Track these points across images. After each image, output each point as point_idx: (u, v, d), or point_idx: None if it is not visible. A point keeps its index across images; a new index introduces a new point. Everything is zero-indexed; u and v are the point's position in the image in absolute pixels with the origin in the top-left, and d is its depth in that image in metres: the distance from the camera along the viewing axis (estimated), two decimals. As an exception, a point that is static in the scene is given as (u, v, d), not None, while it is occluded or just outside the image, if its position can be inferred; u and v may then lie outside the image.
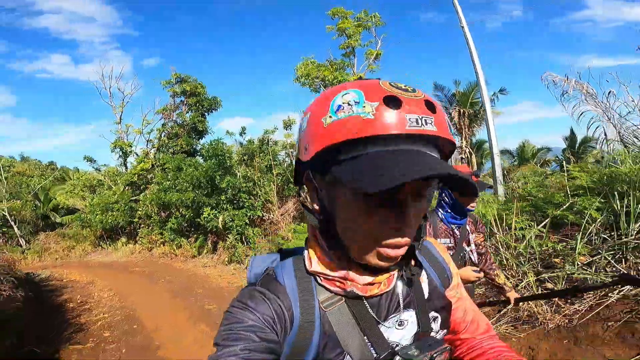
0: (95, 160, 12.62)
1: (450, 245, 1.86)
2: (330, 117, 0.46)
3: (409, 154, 0.45)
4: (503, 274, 2.01)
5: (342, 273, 0.54)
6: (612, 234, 2.62)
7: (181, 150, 9.62)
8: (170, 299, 4.71)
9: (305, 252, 0.58)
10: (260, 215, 7.30)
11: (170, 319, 3.91)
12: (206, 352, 2.15)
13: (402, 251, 0.50)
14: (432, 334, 0.59)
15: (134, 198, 10.17)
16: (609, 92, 4.57)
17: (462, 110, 12.00)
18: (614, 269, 2.39)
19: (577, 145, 14.51)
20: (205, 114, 10.82)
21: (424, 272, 0.63)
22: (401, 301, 0.58)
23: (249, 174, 7.80)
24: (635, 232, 2.49)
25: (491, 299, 2.44)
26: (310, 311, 0.54)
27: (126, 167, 11.91)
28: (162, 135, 10.27)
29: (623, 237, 2.51)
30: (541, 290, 2.57)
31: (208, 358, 0.48)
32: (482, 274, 1.86)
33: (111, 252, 11.32)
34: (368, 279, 0.54)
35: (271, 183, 7.63)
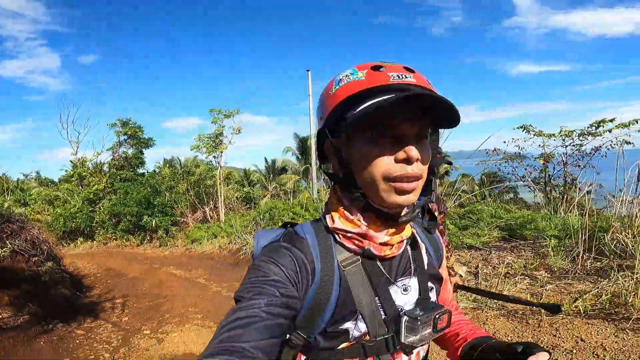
0: (44, 178, 16.51)
1: None
2: (334, 88, 0.59)
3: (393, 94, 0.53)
4: (454, 257, 2.14)
5: (362, 230, 0.60)
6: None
7: (126, 178, 14.30)
8: (125, 261, 9.65)
9: (327, 214, 0.64)
10: (179, 219, 12.43)
11: (127, 266, 8.91)
12: (135, 269, 8.32)
13: (414, 185, 0.56)
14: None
15: (92, 209, 14.61)
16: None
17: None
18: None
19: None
20: (143, 150, 15.57)
21: (423, 245, 0.70)
22: (412, 266, 0.65)
23: (173, 195, 12.86)
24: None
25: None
26: (330, 268, 0.59)
27: (82, 186, 16.10)
28: (112, 167, 14.84)
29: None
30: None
31: (231, 309, 0.51)
32: None
33: (73, 248, 15.45)
34: (386, 237, 0.60)
35: (186, 201, 12.76)
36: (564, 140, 7.92)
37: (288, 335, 0.58)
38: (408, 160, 0.54)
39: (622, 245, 3.18)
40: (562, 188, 7.62)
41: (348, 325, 0.58)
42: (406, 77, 0.55)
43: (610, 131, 7.30)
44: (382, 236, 0.60)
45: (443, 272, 0.74)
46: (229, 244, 8.70)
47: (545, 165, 8.09)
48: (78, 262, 10.96)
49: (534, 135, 8.11)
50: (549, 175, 8.10)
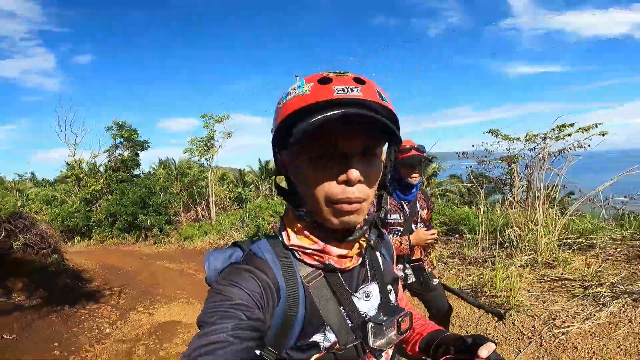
0: (38, 179, 17.18)
1: (399, 221, 1.88)
2: (282, 101, 0.58)
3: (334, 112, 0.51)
4: (434, 255, 2.19)
5: (320, 246, 0.60)
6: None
7: (122, 179, 15.05)
8: (121, 257, 10.40)
9: (283, 230, 0.64)
10: (173, 218, 13.19)
11: (123, 261, 9.66)
12: (131, 264, 9.24)
13: (356, 206, 0.55)
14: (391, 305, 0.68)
15: (89, 209, 15.33)
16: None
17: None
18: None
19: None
20: (138, 152, 16.30)
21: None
22: (369, 274, 0.67)
23: (167, 195, 13.62)
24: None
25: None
26: (294, 285, 0.59)
27: (79, 187, 16.80)
28: (109, 169, 15.58)
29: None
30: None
31: (194, 336, 0.49)
32: (435, 232, 1.88)
33: (70, 247, 16.13)
34: (342, 251, 0.61)
35: (180, 201, 13.52)
36: (525, 144, 8.71)
37: (259, 352, 0.56)
38: (348, 182, 0.54)
39: (516, 237, 4.01)
40: (525, 189, 8.44)
41: (317, 337, 0.59)
42: (352, 91, 0.53)
43: (570, 135, 8.09)
44: (339, 250, 0.61)
45: (394, 269, 0.78)
46: (218, 240, 9.50)
47: (510, 167, 8.90)
48: (76, 259, 11.67)
49: (501, 139, 8.93)
50: (513, 177, 8.90)
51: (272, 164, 24.91)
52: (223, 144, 12.05)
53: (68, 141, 17.24)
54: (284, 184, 0.65)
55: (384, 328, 0.60)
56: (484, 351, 0.56)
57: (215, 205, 13.10)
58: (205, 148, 11.91)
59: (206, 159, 12.60)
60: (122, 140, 15.98)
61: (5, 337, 3.47)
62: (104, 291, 6.25)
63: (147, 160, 42.73)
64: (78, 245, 15.94)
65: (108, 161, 15.91)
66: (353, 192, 0.54)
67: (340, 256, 0.61)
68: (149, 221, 12.82)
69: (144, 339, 3.75)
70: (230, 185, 19.10)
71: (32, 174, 25.10)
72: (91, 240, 15.63)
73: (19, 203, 6.62)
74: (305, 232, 0.61)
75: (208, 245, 9.54)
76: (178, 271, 7.29)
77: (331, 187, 0.55)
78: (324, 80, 0.54)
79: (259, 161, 25.20)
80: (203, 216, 12.52)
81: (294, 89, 0.57)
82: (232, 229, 9.23)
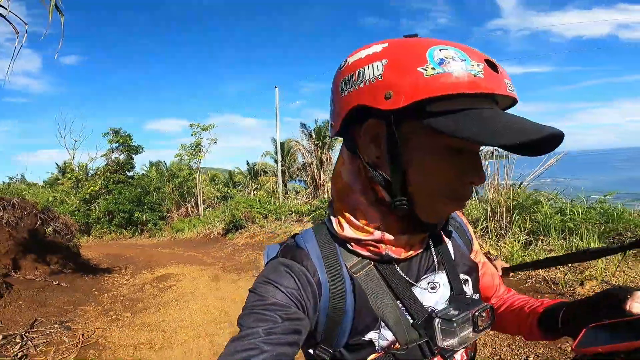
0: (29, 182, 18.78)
1: None
2: (433, 68, 0.43)
3: (508, 114, 0.46)
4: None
5: (377, 235, 0.53)
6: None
7: (119, 181, 16.77)
8: (121, 248, 12.14)
9: (333, 218, 0.57)
10: (166, 215, 14.98)
11: (123, 251, 11.41)
12: (130, 252, 11.35)
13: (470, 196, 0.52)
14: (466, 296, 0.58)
15: (88, 207, 17.00)
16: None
17: (316, 142, 18.83)
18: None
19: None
20: (133, 155, 18.02)
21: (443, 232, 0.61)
22: (435, 261, 0.58)
23: (160, 194, 15.41)
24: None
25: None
26: (339, 277, 0.53)
27: (78, 188, 18.42)
28: (106, 171, 17.31)
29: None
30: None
31: (231, 339, 0.48)
32: None
33: (70, 243, 17.78)
34: (403, 240, 0.54)
35: (172, 199, 15.31)
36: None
37: (312, 351, 0.56)
38: (477, 183, 0.50)
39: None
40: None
41: (372, 335, 0.53)
42: (513, 89, 0.46)
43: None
44: (401, 239, 0.54)
45: (478, 256, 0.68)
46: (204, 230, 11.35)
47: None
48: (81, 251, 13.40)
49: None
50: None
51: (258, 166, 26.67)
52: (210, 149, 13.90)
53: (67, 145, 18.88)
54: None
55: (455, 325, 0.51)
56: (636, 305, 0.45)
57: (204, 203, 14.90)
58: (194, 153, 13.74)
59: (194, 162, 14.43)
60: (117, 145, 17.68)
61: (62, 284, 5.30)
62: (113, 268, 8.09)
63: (138, 162, 44.00)
64: (78, 241, 17.57)
65: (106, 164, 17.62)
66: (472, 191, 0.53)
67: (402, 245, 0.54)
68: (144, 217, 14.58)
69: (149, 283, 5.71)
70: (220, 186, 20.89)
71: (22, 176, 26.57)
72: (90, 237, 17.29)
73: (50, 199, 8.40)
74: (356, 222, 0.54)
75: (196, 235, 11.37)
76: (171, 254, 9.14)
77: (460, 184, 0.50)
78: (493, 65, 0.45)
79: (247, 163, 27.03)
80: (192, 212, 14.34)
81: (452, 57, 0.44)
82: (216, 221, 11.09)
